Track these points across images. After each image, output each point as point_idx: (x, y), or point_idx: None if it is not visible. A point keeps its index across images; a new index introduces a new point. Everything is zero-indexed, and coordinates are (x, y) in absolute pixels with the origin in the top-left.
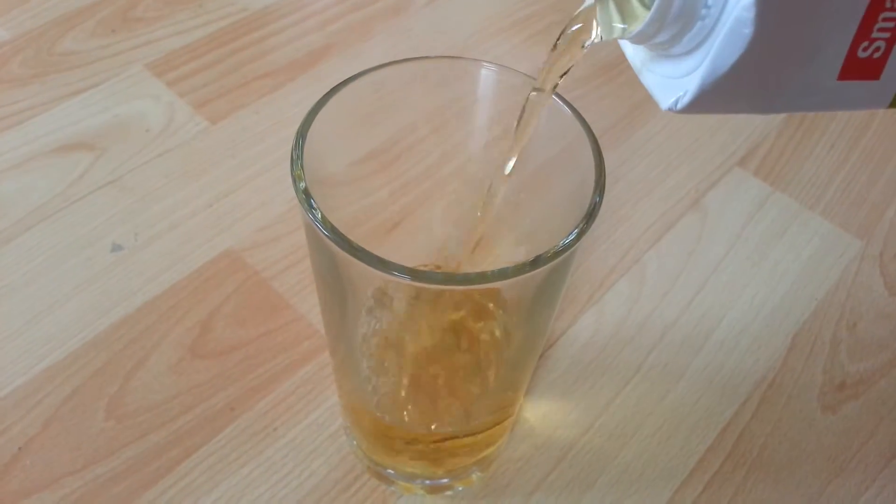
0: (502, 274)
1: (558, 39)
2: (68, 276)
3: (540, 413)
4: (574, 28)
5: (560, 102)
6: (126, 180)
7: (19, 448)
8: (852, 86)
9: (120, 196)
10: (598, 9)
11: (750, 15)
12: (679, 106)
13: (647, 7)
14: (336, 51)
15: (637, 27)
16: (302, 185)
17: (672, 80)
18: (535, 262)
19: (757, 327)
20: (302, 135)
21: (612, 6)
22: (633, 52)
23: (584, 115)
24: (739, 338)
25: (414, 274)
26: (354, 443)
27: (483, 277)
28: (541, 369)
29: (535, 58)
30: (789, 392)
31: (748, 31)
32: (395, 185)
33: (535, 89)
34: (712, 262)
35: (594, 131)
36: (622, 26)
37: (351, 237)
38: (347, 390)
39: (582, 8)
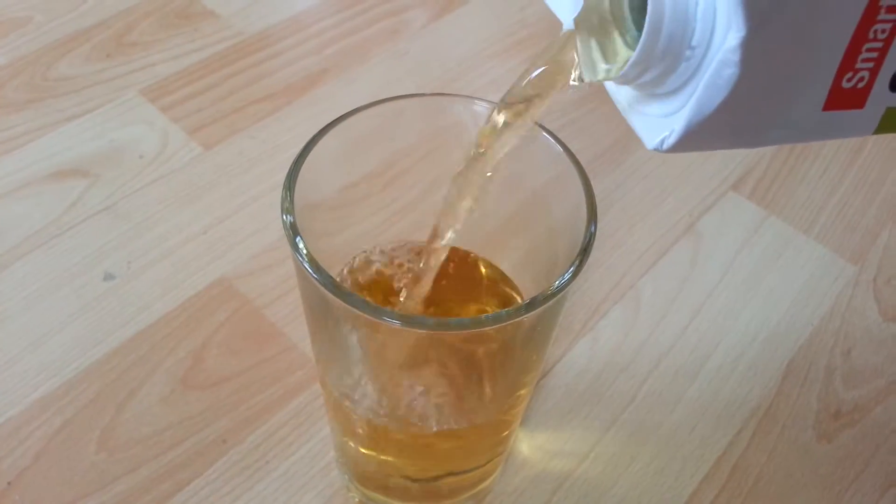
0: (497, 319)
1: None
2: (61, 306)
3: (534, 444)
4: (537, 72)
5: (549, 137)
6: (120, 207)
7: (8, 483)
8: (837, 115)
9: (113, 223)
10: (580, 50)
11: (735, 57)
12: (665, 146)
13: (630, 47)
14: (332, 74)
15: (620, 69)
16: (289, 219)
17: (657, 119)
18: (530, 305)
19: (752, 354)
20: (294, 173)
21: (594, 49)
22: (617, 91)
23: (578, 139)
24: (734, 365)
25: (405, 319)
26: (346, 477)
27: (478, 323)
28: (535, 399)
29: None
30: (784, 421)
31: (733, 72)
32: (391, 208)
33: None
34: (707, 287)
35: (588, 155)
36: (606, 67)
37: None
38: (339, 423)
39: (551, 47)
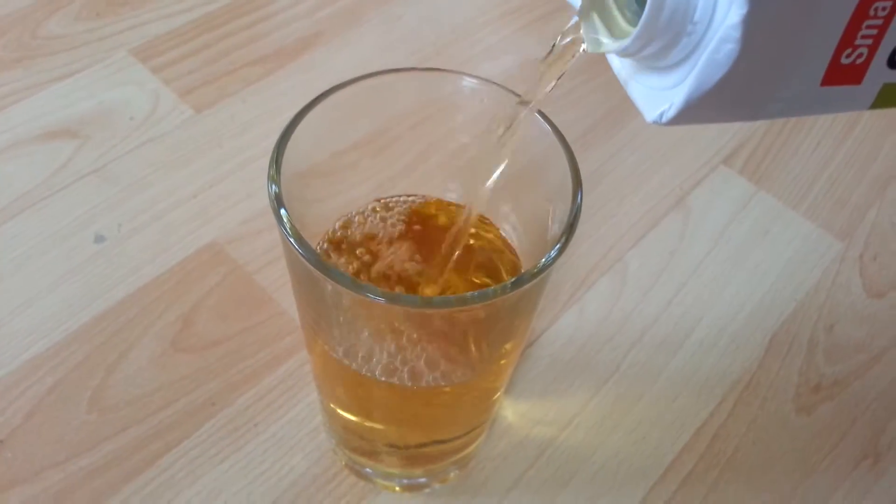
0: (483, 297)
1: (549, 52)
2: (51, 267)
3: (519, 411)
4: (565, 42)
5: (540, 118)
6: (110, 169)
7: (0, 441)
8: (835, 91)
9: (103, 185)
10: (582, 23)
11: (736, 34)
12: (664, 119)
13: (632, 23)
14: (326, 38)
15: (622, 43)
16: (274, 189)
17: (657, 92)
18: (517, 283)
19: (736, 327)
20: (281, 146)
21: (596, 21)
22: (619, 63)
23: (572, 110)
24: (718, 338)
25: (389, 297)
26: (333, 440)
27: (463, 301)
28: (521, 367)
29: (526, 48)
30: (765, 393)
31: (734, 48)
32: (383, 174)
33: (521, 102)
34: (694, 261)
35: (583, 126)
36: (608, 40)
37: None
38: (325, 387)
39: (571, 24)
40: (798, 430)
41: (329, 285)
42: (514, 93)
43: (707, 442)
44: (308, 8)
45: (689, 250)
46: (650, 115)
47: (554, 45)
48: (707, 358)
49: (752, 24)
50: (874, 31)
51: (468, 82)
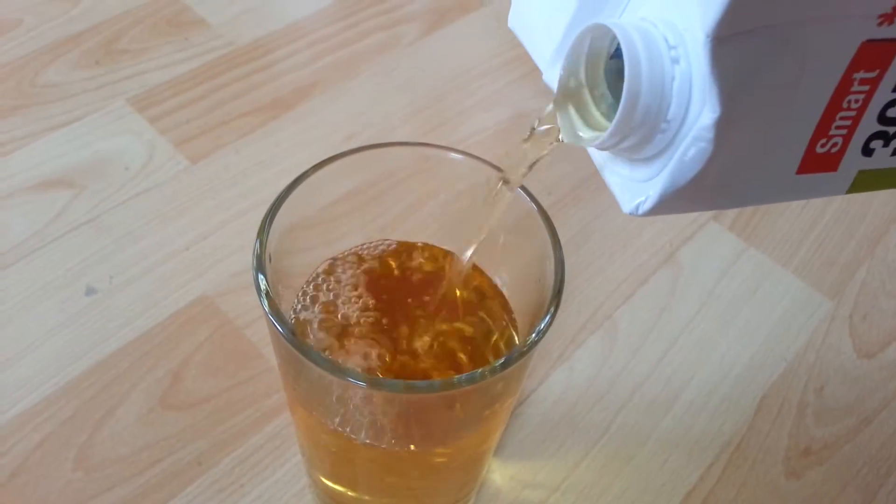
0: (470, 380)
1: (529, 135)
2: (42, 320)
3: (507, 473)
4: (543, 128)
5: (525, 195)
6: (103, 220)
7: None
8: (811, 178)
9: (97, 236)
10: (558, 116)
11: (709, 135)
12: (640, 211)
13: (607, 117)
14: (321, 89)
15: (598, 138)
16: (256, 250)
17: (633, 183)
18: (506, 363)
19: (726, 388)
20: (266, 225)
21: (572, 114)
22: (595, 152)
23: (563, 164)
24: (708, 398)
25: (371, 382)
26: None
27: (449, 385)
28: (510, 427)
29: (520, 100)
30: (755, 456)
31: (707, 147)
32: (369, 228)
33: (503, 180)
34: (684, 319)
35: (573, 180)
36: (584, 133)
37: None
38: (308, 454)
39: (547, 110)
40: (787, 495)
41: (309, 364)
42: (497, 168)
43: None
44: (304, 58)
45: (680, 308)
46: (627, 206)
47: (533, 129)
48: (697, 419)
49: (724, 126)
50: (848, 122)
51: (455, 156)
